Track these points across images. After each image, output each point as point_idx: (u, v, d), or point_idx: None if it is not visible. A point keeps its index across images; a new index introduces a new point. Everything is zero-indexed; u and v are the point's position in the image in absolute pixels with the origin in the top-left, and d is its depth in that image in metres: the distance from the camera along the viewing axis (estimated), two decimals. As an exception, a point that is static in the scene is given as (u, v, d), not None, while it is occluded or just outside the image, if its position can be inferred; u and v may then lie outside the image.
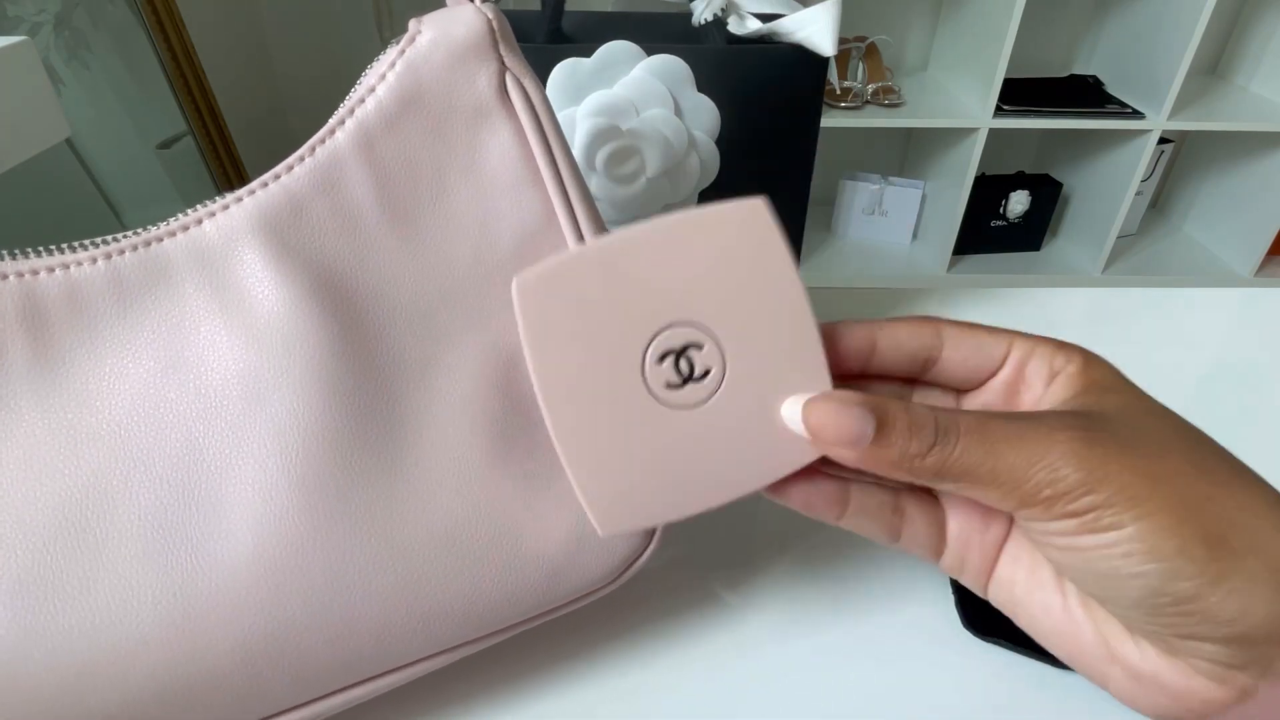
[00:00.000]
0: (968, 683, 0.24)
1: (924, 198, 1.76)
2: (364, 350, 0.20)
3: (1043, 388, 0.21)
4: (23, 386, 0.19)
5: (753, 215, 0.20)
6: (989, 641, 0.25)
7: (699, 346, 0.20)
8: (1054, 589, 0.20)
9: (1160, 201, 1.93)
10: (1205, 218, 1.81)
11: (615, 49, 0.30)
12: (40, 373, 0.19)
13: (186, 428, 0.19)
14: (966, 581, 0.22)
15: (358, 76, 0.22)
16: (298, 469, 0.19)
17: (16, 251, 0.19)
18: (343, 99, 0.21)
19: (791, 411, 0.20)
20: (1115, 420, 0.19)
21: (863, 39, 1.61)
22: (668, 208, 0.33)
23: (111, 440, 0.19)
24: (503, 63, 0.22)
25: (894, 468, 0.19)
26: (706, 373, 0.20)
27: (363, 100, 0.21)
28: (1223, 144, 1.70)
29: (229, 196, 0.20)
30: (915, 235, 1.81)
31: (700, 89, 0.31)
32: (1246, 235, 1.69)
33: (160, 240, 0.20)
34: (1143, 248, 1.81)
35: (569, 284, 0.19)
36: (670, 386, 0.19)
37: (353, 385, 0.20)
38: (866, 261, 1.76)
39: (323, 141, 0.21)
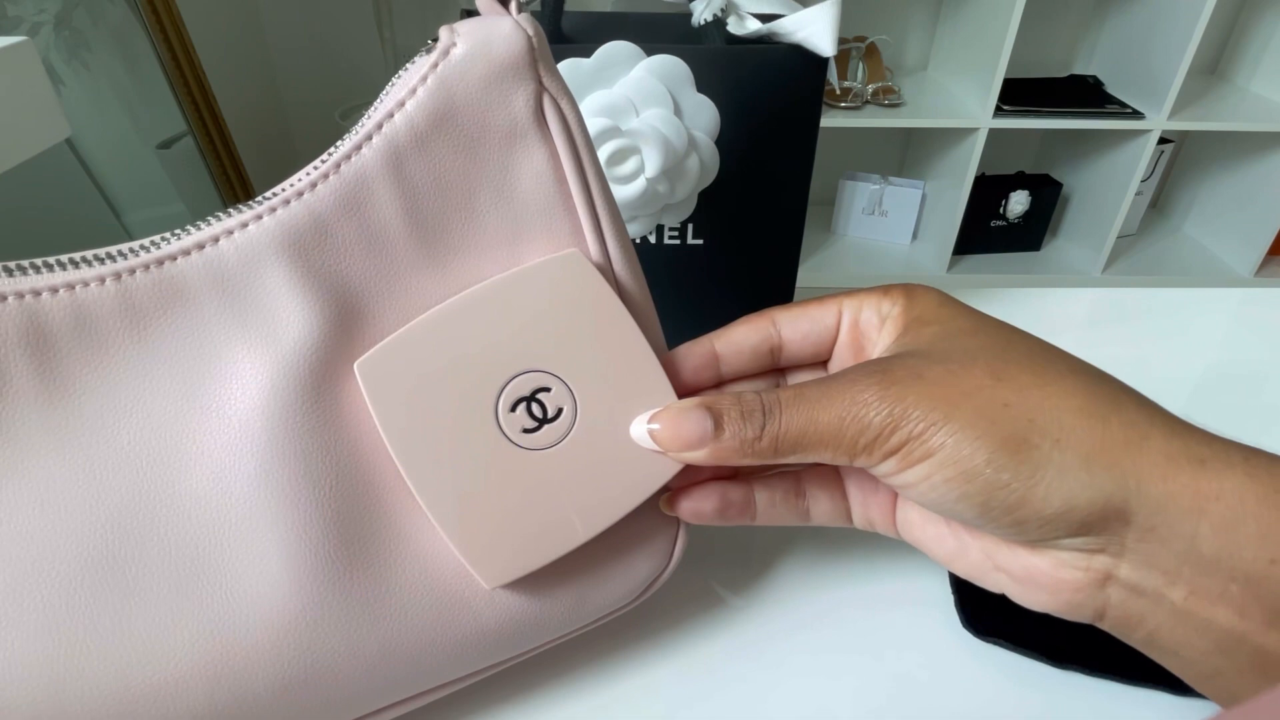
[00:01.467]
0: (968, 683, 0.24)
1: (924, 198, 1.76)
2: None
3: (878, 336, 0.22)
4: (31, 415, 0.17)
5: (571, 263, 0.21)
6: (989, 641, 0.25)
7: (547, 389, 0.20)
8: (939, 520, 0.21)
9: (1160, 201, 1.93)
10: (1205, 218, 1.81)
11: (615, 49, 0.30)
12: (49, 401, 0.17)
13: (213, 459, 0.18)
14: (880, 531, 0.23)
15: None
16: (331, 503, 0.19)
17: (13, 266, 0.17)
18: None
19: (639, 430, 0.21)
20: (923, 352, 0.19)
21: (862, 39, 1.61)
22: (668, 208, 0.33)
23: (133, 472, 0.18)
24: (541, 83, 0.20)
25: (740, 456, 0.20)
26: (559, 412, 0.20)
27: (391, 115, 0.20)
28: (1223, 144, 1.70)
29: (246, 213, 0.19)
30: (915, 235, 1.81)
31: (700, 89, 0.31)
32: (1246, 235, 1.69)
33: (174, 259, 0.18)
34: (1143, 248, 1.81)
35: (409, 358, 0.19)
36: (527, 431, 0.20)
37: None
38: (866, 261, 1.76)
39: (348, 158, 0.19)
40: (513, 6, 0.21)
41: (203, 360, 0.19)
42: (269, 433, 0.18)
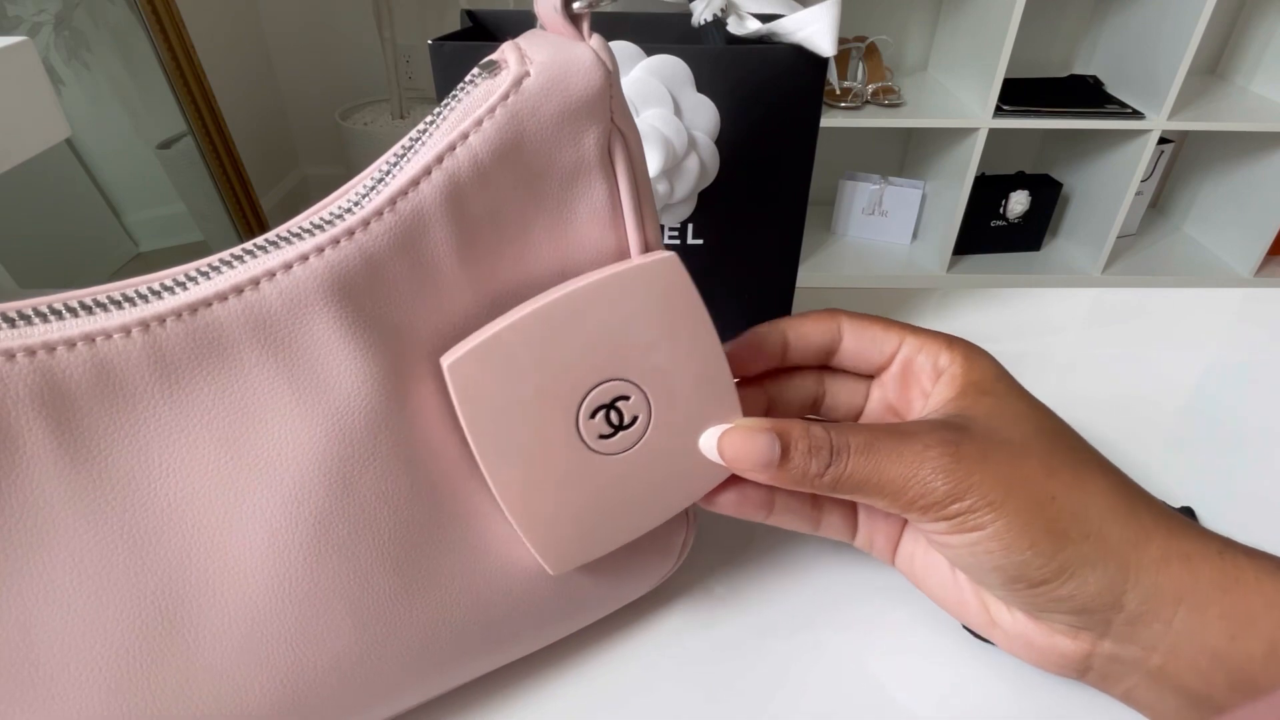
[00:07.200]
0: (968, 683, 0.24)
1: (924, 198, 1.76)
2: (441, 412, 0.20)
3: (930, 384, 0.24)
4: (53, 482, 0.16)
5: (667, 268, 0.21)
6: (989, 641, 0.25)
7: (626, 398, 0.21)
8: (945, 566, 0.23)
9: (1160, 201, 1.94)
10: (1205, 218, 1.81)
11: (615, 49, 0.30)
12: (73, 466, 0.16)
13: (267, 521, 0.18)
14: (876, 556, 0.25)
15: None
16: (391, 547, 0.19)
17: (14, 315, 0.15)
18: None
19: (708, 442, 0.22)
20: (982, 426, 0.21)
21: (863, 39, 1.61)
22: (668, 208, 0.33)
23: (177, 536, 0.17)
24: (612, 120, 0.19)
25: (797, 484, 0.21)
26: (634, 420, 0.21)
27: (453, 148, 0.18)
28: (1223, 144, 1.70)
29: (287, 250, 0.17)
30: (915, 235, 1.81)
31: (700, 89, 0.31)
32: (1246, 235, 1.69)
33: (209, 305, 0.16)
34: (1143, 248, 1.81)
35: (498, 358, 0.19)
36: (603, 437, 0.21)
37: (434, 453, 0.20)
38: (866, 261, 1.76)
39: (405, 194, 0.18)
40: (585, 27, 0.19)
41: (246, 417, 0.17)
42: (327, 490, 0.18)
